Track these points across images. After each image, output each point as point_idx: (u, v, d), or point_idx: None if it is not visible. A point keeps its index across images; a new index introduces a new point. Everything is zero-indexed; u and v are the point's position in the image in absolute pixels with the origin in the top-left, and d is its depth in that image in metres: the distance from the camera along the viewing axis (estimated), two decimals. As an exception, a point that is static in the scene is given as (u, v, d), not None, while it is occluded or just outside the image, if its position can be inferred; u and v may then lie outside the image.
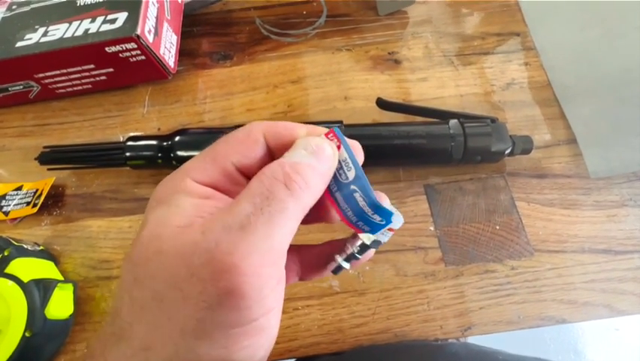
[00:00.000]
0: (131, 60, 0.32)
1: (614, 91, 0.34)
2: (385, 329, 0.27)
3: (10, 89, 0.33)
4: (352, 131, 0.29)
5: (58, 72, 0.32)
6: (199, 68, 0.38)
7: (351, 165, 0.13)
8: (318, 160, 0.13)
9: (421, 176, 0.32)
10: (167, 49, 0.34)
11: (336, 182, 0.14)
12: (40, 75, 0.32)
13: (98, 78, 0.34)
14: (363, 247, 0.15)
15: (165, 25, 0.34)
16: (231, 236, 0.11)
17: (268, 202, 0.11)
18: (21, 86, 0.33)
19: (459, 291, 0.28)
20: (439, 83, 0.36)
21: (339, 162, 0.14)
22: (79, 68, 0.32)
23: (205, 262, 0.11)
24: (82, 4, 0.32)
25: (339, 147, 0.13)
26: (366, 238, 0.14)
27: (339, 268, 0.15)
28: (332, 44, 0.39)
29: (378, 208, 0.13)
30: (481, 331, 0.27)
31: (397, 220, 0.14)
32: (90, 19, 0.31)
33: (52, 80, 0.33)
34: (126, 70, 0.33)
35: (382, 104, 0.33)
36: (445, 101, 0.36)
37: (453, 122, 0.30)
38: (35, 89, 0.34)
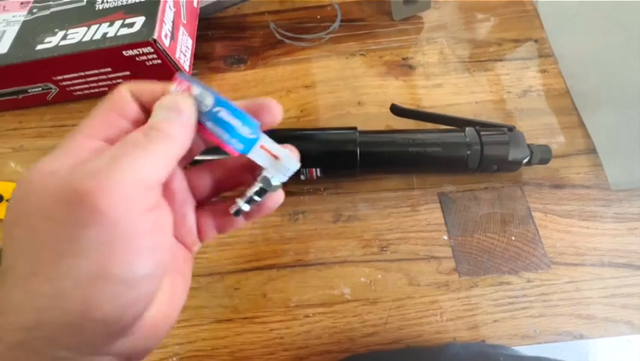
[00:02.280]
0: (148, 64, 0.32)
1: (637, 100, 0.33)
2: (397, 339, 0.27)
3: (29, 90, 0.34)
4: (367, 137, 0.29)
5: (76, 75, 0.33)
6: (213, 71, 0.38)
7: (207, 94, 0.15)
8: (176, 113, 0.14)
9: (435, 184, 0.32)
10: (183, 53, 0.34)
11: (203, 115, 0.15)
12: (59, 78, 0.33)
13: (114, 81, 0.34)
14: (261, 190, 0.16)
15: (181, 29, 0.34)
16: (98, 169, 0.12)
17: (132, 146, 0.13)
18: (40, 88, 0.34)
19: (473, 303, 0.28)
20: (454, 90, 0.36)
21: (195, 98, 0.15)
22: (96, 71, 0.33)
23: (72, 189, 0.12)
24: (100, 8, 0.33)
25: (189, 88, 0.15)
26: (265, 175, 0.16)
27: (239, 211, 0.17)
28: (346, 49, 0.39)
29: (242, 116, 0.15)
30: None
31: (288, 159, 0.16)
32: (108, 23, 0.31)
33: (70, 82, 0.33)
34: (142, 73, 0.33)
35: (397, 110, 0.33)
36: (460, 108, 0.35)
37: (469, 130, 0.29)
38: (53, 91, 0.34)
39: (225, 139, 0.15)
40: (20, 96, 0.35)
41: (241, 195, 0.17)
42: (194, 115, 0.15)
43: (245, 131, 0.15)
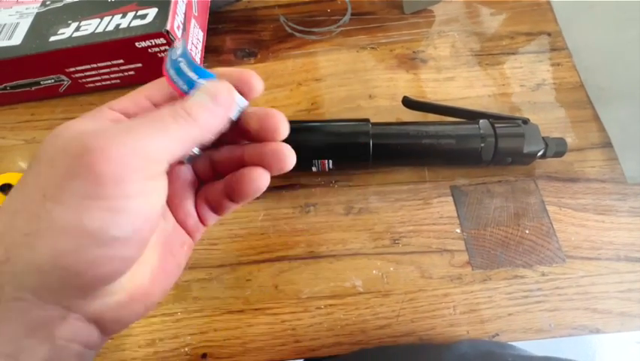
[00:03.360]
0: (160, 55, 0.32)
1: (653, 93, 0.32)
2: (410, 332, 0.27)
3: (42, 82, 0.34)
4: (380, 129, 0.29)
5: (88, 67, 0.33)
6: (223, 64, 0.38)
7: (180, 46, 0.16)
8: (214, 102, 0.15)
9: (448, 177, 0.31)
10: (194, 45, 0.34)
11: (170, 61, 0.16)
12: (72, 69, 0.33)
13: (126, 73, 0.34)
14: None
15: (193, 21, 0.34)
16: (114, 132, 0.13)
17: (154, 120, 0.14)
18: (52, 80, 0.34)
19: (487, 296, 0.27)
20: (466, 83, 0.36)
21: (175, 49, 0.16)
22: (108, 63, 0.33)
23: (80, 143, 0.13)
24: (113, -1, 0.33)
25: (179, 42, 0.16)
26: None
27: (191, 157, 0.17)
28: (356, 42, 0.38)
29: (198, 69, 0.15)
30: (510, 338, 0.26)
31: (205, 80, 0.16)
32: (121, 15, 0.31)
33: (82, 74, 0.34)
34: (154, 65, 0.33)
35: (408, 102, 0.32)
36: (472, 101, 0.35)
37: (483, 122, 0.29)
38: (66, 83, 0.35)
39: (177, 83, 0.16)
40: (33, 88, 0.35)
41: None
42: (231, 108, 0.15)
43: (193, 76, 0.15)
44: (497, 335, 0.26)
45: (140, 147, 0.13)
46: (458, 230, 0.29)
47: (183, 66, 0.15)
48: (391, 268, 0.28)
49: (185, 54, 0.15)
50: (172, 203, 0.17)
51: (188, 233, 0.18)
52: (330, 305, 0.28)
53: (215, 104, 0.15)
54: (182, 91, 0.15)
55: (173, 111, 0.14)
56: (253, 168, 0.16)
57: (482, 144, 0.28)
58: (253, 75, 0.16)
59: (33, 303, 0.12)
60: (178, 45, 0.16)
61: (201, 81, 0.15)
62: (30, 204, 0.13)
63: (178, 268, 0.17)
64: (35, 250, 0.12)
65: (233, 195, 0.17)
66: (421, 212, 0.30)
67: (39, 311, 0.12)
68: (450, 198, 0.31)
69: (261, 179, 0.16)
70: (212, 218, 0.18)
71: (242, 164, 0.17)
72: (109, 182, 0.12)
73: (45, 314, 0.13)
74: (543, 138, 0.29)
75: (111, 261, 0.13)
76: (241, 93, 0.16)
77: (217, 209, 0.18)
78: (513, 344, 0.27)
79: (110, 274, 0.13)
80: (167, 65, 0.16)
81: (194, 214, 0.18)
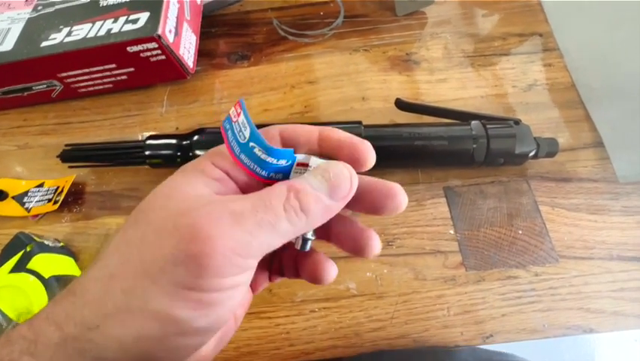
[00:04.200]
0: (152, 60, 0.32)
1: (644, 93, 0.33)
2: (404, 334, 0.27)
3: (34, 87, 0.34)
4: (372, 131, 0.29)
5: (80, 72, 0.33)
6: (217, 68, 0.38)
7: (246, 124, 0.14)
8: (330, 192, 0.13)
9: (441, 178, 0.31)
10: (187, 49, 0.34)
11: (239, 144, 0.14)
12: (64, 74, 0.33)
13: (118, 78, 0.34)
14: None
15: (185, 25, 0.34)
16: (223, 218, 0.12)
17: (265, 211, 0.12)
18: (44, 85, 0.34)
19: (480, 297, 0.27)
20: (458, 84, 0.36)
21: (239, 124, 0.14)
22: (101, 68, 0.33)
23: (190, 225, 0.12)
24: (105, 4, 0.33)
25: (239, 114, 0.14)
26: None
27: (305, 241, 0.15)
28: (349, 45, 0.39)
29: (275, 152, 0.13)
30: (504, 339, 0.26)
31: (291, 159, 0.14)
32: (113, 20, 0.31)
33: (74, 79, 0.34)
34: (146, 69, 0.33)
35: (401, 104, 0.32)
36: (465, 102, 0.35)
37: (475, 123, 0.29)
38: (58, 88, 0.34)
39: (261, 174, 0.14)
40: (25, 94, 0.35)
41: None
42: (342, 205, 0.13)
43: (282, 163, 0.14)
44: (491, 335, 0.26)
45: (246, 243, 0.12)
46: (452, 231, 0.30)
47: (257, 151, 0.13)
48: (385, 270, 0.28)
49: (254, 135, 0.13)
50: None
51: (252, 288, 0.17)
52: (324, 308, 0.27)
53: (333, 199, 0.13)
54: (260, 176, 0.14)
55: (286, 201, 0.12)
56: (326, 261, 0.16)
57: (474, 145, 0.28)
58: (368, 148, 0.14)
59: None
60: (242, 120, 0.14)
61: (299, 158, 0.14)
62: (130, 275, 0.12)
63: (236, 325, 0.17)
64: (123, 327, 0.12)
65: (301, 275, 0.16)
66: (415, 213, 0.30)
67: None
68: (443, 200, 0.31)
69: (330, 274, 0.16)
70: (279, 277, 0.18)
71: (328, 236, 0.16)
72: (210, 276, 0.12)
73: None
74: (535, 138, 0.29)
75: (187, 349, 0.13)
76: (384, 204, 0.14)
77: (286, 274, 0.17)
78: (515, 354, 0.27)
79: (184, 358, 0.13)
80: (236, 150, 0.14)
81: (267, 274, 0.17)
